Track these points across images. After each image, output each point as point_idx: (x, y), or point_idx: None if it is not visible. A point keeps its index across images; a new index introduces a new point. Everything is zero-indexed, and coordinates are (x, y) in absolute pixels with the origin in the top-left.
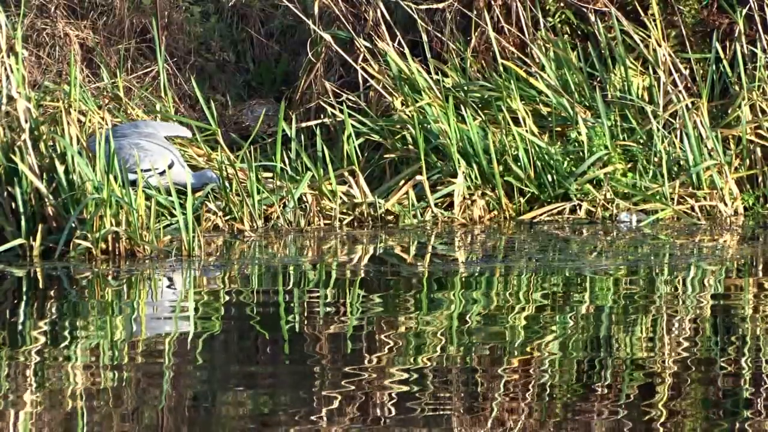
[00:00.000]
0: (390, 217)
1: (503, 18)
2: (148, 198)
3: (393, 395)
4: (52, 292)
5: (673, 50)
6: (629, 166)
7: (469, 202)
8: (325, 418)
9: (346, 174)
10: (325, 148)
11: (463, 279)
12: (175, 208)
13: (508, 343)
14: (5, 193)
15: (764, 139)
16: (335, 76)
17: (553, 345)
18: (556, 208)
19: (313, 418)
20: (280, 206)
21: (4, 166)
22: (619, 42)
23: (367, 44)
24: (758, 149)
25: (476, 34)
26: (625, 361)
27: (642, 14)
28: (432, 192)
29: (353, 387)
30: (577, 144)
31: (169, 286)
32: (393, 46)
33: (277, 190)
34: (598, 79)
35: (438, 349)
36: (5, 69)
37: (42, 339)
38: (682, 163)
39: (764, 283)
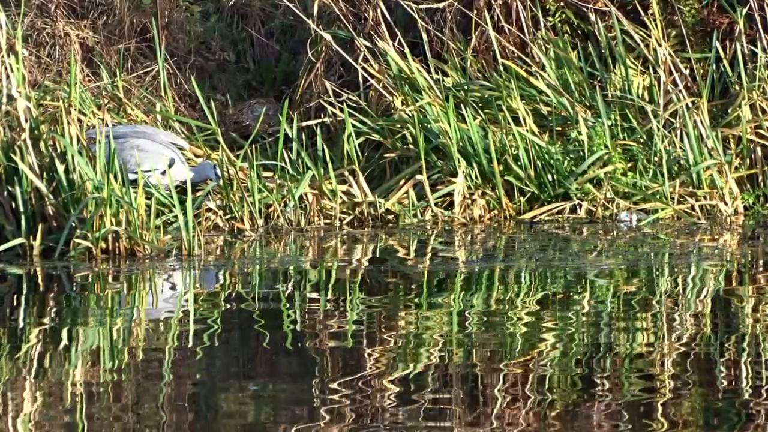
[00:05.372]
0: (390, 217)
1: (503, 17)
2: (148, 197)
3: (393, 395)
4: (52, 292)
5: (674, 50)
6: (629, 165)
7: (469, 201)
8: (325, 418)
9: (346, 173)
10: (325, 147)
11: (464, 278)
12: (175, 206)
13: (508, 342)
14: (5, 193)
15: (764, 138)
16: (335, 76)
17: (553, 344)
18: (556, 207)
19: (313, 418)
20: (280, 205)
21: (4, 165)
22: (619, 41)
23: (367, 44)
24: (758, 149)
25: (476, 33)
26: (626, 360)
27: (642, 14)
28: (432, 191)
29: (354, 386)
30: (577, 143)
31: (169, 286)
32: (393, 45)
33: (278, 189)
34: (599, 78)
35: (438, 348)
36: (5, 68)
37: (42, 338)
38: (682, 162)
39: (764, 282)
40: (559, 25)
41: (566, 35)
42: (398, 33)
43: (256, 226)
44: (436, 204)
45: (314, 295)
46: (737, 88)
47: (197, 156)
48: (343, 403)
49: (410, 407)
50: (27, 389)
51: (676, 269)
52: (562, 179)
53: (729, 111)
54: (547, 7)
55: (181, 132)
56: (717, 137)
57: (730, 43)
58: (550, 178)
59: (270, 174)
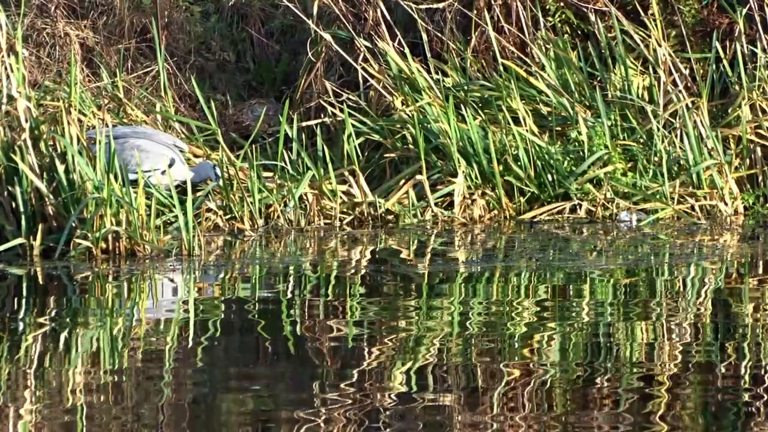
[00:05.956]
0: (390, 217)
1: (503, 18)
2: (148, 197)
3: (393, 395)
4: (52, 292)
5: (673, 50)
6: (629, 165)
7: (469, 201)
8: (325, 419)
9: (346, 173)
10: (325, 147)
11: (464, 278)
12: (175, 206)
13: (508, 342)
14: (5, 193)
15: (764, 138)
16: (335, 76)
17: (553, 345)
18: (556, 207)
19: (313, 418)
20: (280, 205)
21: (5, 165)
22: (619, 42)
23: (367, 44)
24: (758, 149)
25: (476, 33)
26: (625, 360)
27: (642, 14)
28: (432, 191)
29: (353, 387)
30: (577, 143)
31: (169, 286)
32: (393, 45)
33: (278, 189)
34: (599, 78)
35: (438, 348)
36: (5, 68)
37: (42, 338)
38: (682, 162)
39: (764, 282)
40: (559, 25)
41: (566, 35)
42: (398, 33)
43: (256, 226)
44: (436, 204)
45: (314, 295)
46: (737, 88)
47: (197, 156)
48: (343, 403)
49: (411, 407)
50: (27, 389)
51: (676, 269)
52: (562, 179)
53: (729, 111)
54: (547, 7)
55: (181, 132)
56: (717, 137)
57: (730, 43)
58: (550, 178)
59: (270, 174)
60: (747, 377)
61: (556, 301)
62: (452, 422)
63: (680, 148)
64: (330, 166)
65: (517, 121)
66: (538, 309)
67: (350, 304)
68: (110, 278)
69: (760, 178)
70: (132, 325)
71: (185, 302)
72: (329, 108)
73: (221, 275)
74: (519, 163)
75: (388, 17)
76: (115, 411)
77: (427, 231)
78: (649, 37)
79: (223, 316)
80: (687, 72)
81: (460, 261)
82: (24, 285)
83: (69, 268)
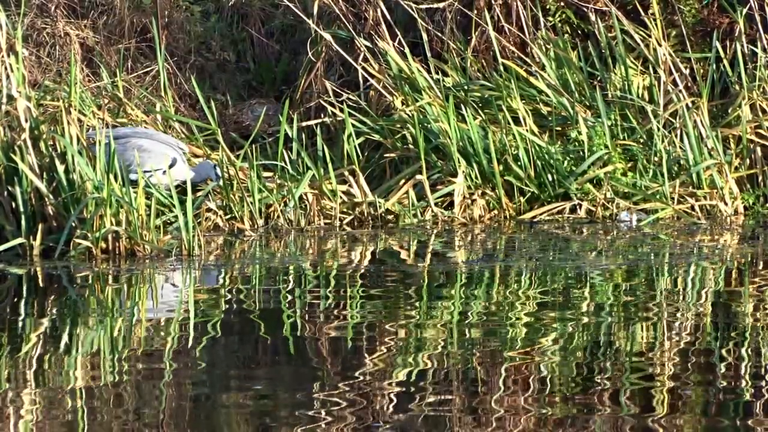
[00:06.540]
0: (390, 217)
1: (503, 17)
2: (148, 197)
3: (393, 395)
4: (52, 292)
5: (674, 50)
6: (629, 165)
7: (469, 201)
8: (325, 419)
9: (346, 173)
10: (325, 147)
11: (463, 278)
12: (175, 206)
13: (508, 342)
14: (5, 193)
15: (764, 138)
16: (335, 76)
17: (553, 345)
18: (556, 207)
19: (313, 418)
20: (280, 205)
21: (5, 165)
22: (619, 41)
23: (368, 44)
24: (758, 149)
25: (476, 33)
26: (626, 360)
27: (642, 13)
28: (432, 191)
29: (353, 387)
30: (577, 143)
31: (169, 286)
32: (393, 45)
33: (278, 189)
34: (599, 78)
35: (438, 348)
36: (5, 68)
37: (42, 338)
38: (682, 162)
39: (764, 282)
40: (559, 25)
41: (566, 35)
42: (398, 33)
43: (256, 226)
44: (436, 204)
45: (314, 295)
46: (737, 88)
47: (197, 156)
48: (344, 402)
49: (411, 406)
50: (27, 389)
51: (676, 269)
52: (562, 179)
53: (729, 111)
54: (547, 7)
55: (181, 132)
56: (717, 137)
57: (730, 43)
58: (550, 178)
59: (270, 174)
60: (747, 377)
61: (556, 301)
62: (452, 421)
63: (680, 147)
64: (330, 166)
65: (517, 121)
66: (538, 309)
67: (350, 304)
68: (110, 278)
69: (760, 178)
70: (132, 324)
71: (185, 302)
72: (329, 108)
73: (221, 275)
74: (519, 163)
75: (388, 17)
76: (116, 410)
77: (427, 231)
78: (650, 36)
79: (222, 316)
80: (687, 72)
81: (460, 261)
82: (24, 285)
83: (69, 268)
